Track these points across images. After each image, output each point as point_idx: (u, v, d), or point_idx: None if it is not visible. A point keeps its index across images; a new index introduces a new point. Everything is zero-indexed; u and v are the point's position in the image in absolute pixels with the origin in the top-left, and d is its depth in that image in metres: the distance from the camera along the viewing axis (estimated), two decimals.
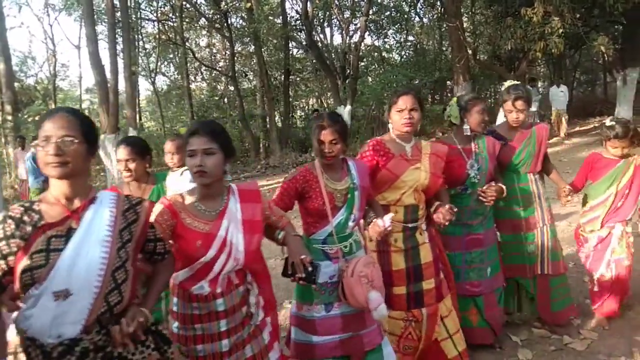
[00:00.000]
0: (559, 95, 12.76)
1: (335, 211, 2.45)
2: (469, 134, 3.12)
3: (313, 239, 2.48)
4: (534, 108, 12.81)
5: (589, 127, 14.25)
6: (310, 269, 2.17)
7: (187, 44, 20.62)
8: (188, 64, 21.07)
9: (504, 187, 3.15)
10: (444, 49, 20.07)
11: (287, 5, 17.92)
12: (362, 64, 21.42)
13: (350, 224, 2.49)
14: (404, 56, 21.45)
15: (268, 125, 18.41)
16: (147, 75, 22.36)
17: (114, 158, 9.78)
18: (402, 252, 2.74)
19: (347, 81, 16.66)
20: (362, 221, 2.68)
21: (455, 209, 2.71)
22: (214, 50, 24.39)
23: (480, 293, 3.12)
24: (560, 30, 9.86)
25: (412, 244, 2.75)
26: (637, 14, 11.70)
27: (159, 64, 22.37)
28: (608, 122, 3.32)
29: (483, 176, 3.10)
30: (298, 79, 22.02)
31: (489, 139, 3.20)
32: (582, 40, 11.46)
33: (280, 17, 18.02)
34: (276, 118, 19.10)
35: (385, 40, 21.50)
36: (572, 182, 3.48)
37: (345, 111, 14.08)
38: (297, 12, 18.71)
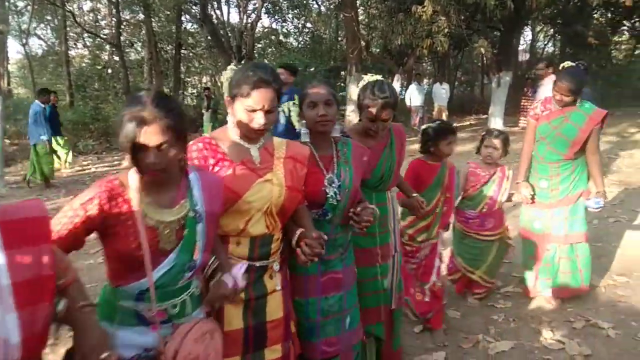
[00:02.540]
0: (441, 93, 13.59)
1: (159, 257, 1.54)
2: (337, 134, 2.24)
3: (122, 290, 1.56)
4: (419, 103, 13.58)
5: (466, 123, 15.37)
6: None
7: (67, 5, 18.79)
8: (68, 29, 19.25)
9: (377, 209, 2.23)
10: (340, 39, 20.43)
11: None
12: (259, 45, 21.14)
13: (187, 274, 1.61)
14: (301, 42, 21.53)
15: None
16: (18, 37, 20.09)
17: None
18: (241, 305, 1.89)
19: (242, 61, 16.29)
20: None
21: (326, 238, 1.93)
22: (99, 16, 22.57)
23: (336, 353, 2.24)
24: (446, 30, 10.45)
25: (257, 292, 1.92)
26: (513, 23, 12.83)
27: (33, 25, 20.19)
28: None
29: (346, 195, 2.16)
30: (191, 54, 21.15)
31: (356, 144, 2.32)
32: (464, 42, 12.30)
33: None
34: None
35: (284, 24, 21.43)
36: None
37: None
38: None
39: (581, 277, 3.54)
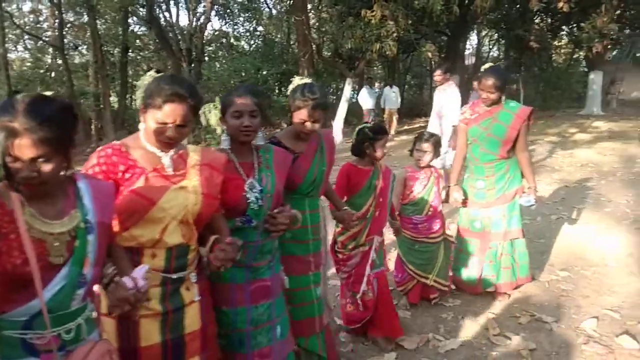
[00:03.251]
0: (391, 96, 13.79)
1: (49, 273, 1.39)
2: (261, 142, 2.27)
3: (6, 318, 1.38)
4: (370, 106, 13.75)
5: (415, 126, 15.68)
6: None
7: (4, 6, 17.90)
8: (6, 30, 18.33)
9: (299, 214, 2.32)
10: (291, 42, 20.43)
11: None
12: (210, 48, 20.85)
13: (79, 292, 1.47)
14: (253, 45, 21.38)
15: (102, 105, 16.87)
16: None
17: None
18: (158, 318, 1.84)
19: (192, 64, 16.03)
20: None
21: (241, 243, 1.92)
22: (41, 18, 21.61)
23: None
24: (395, 34, 10.61)
25: (174, 304, 1.87)
26: (459, 29, 13.21)
27: None
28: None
29: (268, 200, 2.17)
30: (139, 57, 20.60)
31: (278, 150, 2.35)
32: (413, 46, 12.53)
33: None
34: (111, 98, 17.62)
35: (235, 27, 21.21)
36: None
37: None
38: None
39: (518, 271, 3.72)
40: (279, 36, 21.95)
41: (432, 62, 12.68)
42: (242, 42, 21.95)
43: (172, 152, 1.85)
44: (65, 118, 1.36)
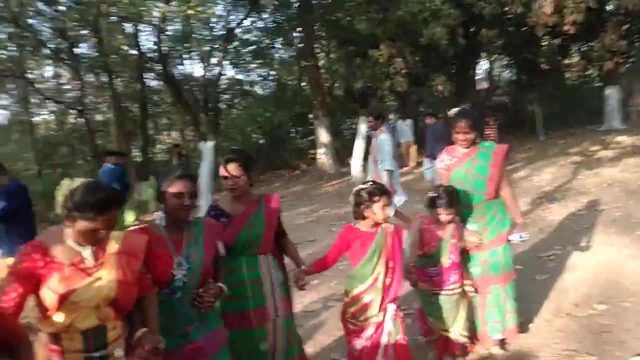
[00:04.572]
0: (405, 129, 13.86)
1: None
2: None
3: None
4: None
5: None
6: None
7: (28, 74, 18.71)
8: (30, 96, 19.12)
9: (224, 287, 2.46)
10: (304, 84, 20.80)
11: (142, 36, 17.23)
12: (226, 96, 21.33)
13: None
14: (267, 90, 21.81)
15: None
16: None
17: None
18: None
19: (209, 113, 16.38)
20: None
21: (161, 347, 2.07)
22: (62, 81, 22.46)
23: None
24: (404, 71, 10.78)
25: None
26: (467, 58, 13.33)
27: None
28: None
29: (196, 274, 2.34)
30: (158, 110, 21.18)
31: (207, 222, 2.55)
32: (423, 79, 12.68)
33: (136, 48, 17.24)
34: (134, 153, 18.05)
35: (248, 74, 21.69)
36: (323, 258, 2.97)
37: (208, 148, 13.79)
38: (154, 43, 18.12)
39: (516, 315, 3.57)
40: (290, 80, 22.37)
41: (445, 92, 12.72)
42: (256, 88, 22.41)
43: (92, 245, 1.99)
44: None
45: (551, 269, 5.02)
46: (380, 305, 2.85)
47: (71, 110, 20.25)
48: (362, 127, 13.31)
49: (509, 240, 3.56)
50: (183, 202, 2.32)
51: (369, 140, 14.16)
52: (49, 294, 1.86)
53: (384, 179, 6.39)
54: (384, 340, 2.84)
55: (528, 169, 11.03)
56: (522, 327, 3.75)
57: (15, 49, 17.13)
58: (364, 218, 2.89)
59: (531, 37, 13.24)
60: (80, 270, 1.93)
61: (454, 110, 3.66)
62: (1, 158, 18.28)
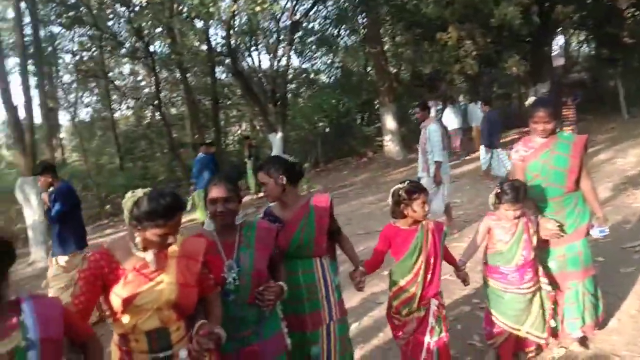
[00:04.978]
0: (477, 112, 13.42)
1: None
2: (239, 221, 2.50)
3: None
4: (456, 125, 13.43)
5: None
6: None
7: (109, 73, 19.93)
8: (111, 93, 20.38)
9: (284, 286, 2.47)
10: (369, 69, 20.65)
11: (212, 31, 17.76)
12: (292, 86, 21.63)
13: None
14: (332, 78, 21.87)
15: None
16: (67, 109, 21.38)
17: (33, 201, 9.20)
18: None
19: (277, 104, 16.73)
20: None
21: (220, 334, 2.09)
22: (139, 78, 23.74)
23: None
24: (474, 53, 10.44)
25: None
26: (542, 36, 12.66)
27: (80, 95, 21.47)
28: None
29: (247, 277, 2.36)
30: (229, 102, 21.87)
31: (261, 225, 2.56)
32: (494, 60, 12.20)
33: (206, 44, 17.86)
34: None
35: (314, 62, 21.85)
36: (371, 260, 3.02)
37: (277, 138, 14.11)
38: (223, 37, 18.67)
39: (595, 312, 3.47)
40: (355, 66, 22.27)
41: (519, 72, 12.15)
42: (322, 76, 22.52)
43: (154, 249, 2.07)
44: None
45: (636, 261, 4.76)
46: (421, 300, 2.90)
47: (148, 106, 21.42)
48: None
49: (588, 234, 3.44)
50: (216, 208, 2.37)
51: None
52: (115, 298, 1.99)
53: (432, 170, 6.33)
54: (427, 336, 2.88)
55: (611, 151, 10.37)
56: (604, 324, 3.63)
57: (96, 50, 18.36)
58: (403, 216, 2.92)
59: (612, 10, 12.36)
60: (142, 275, 2.03)
61: (532, 99, 3.54)
62: (87, 153, 19.68)
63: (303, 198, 2.83)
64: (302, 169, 2.94)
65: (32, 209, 9.29)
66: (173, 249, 2.12)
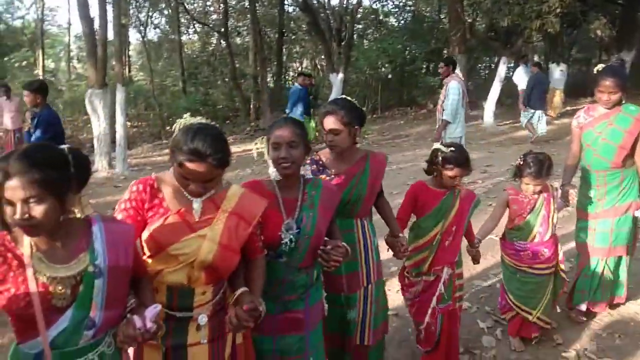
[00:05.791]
0: (558, 74, 12.69)
1: (53, 315, 1.46)
2: (309, 176, 2.24)
3: (22, 349, 1.51)
4: (523, 86, 12.80)
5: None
6: None
7: None
8: (180, 16, 20.56)
9: (348, 248, 2.15)
10: (442, 16, 19.74)
11: None
12: (360, 26, 21.08)
13: (87, 333, 1.50)
14: (402, 22, 21.10)
15: (259, 86, 18.18)
16: (137, 27, 21.81)
17: (100, 113, 9.65)
18: (158, 351, 1.83)
19: (342, 44, 16.39)
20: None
21: (261, 309, 1.82)
22: (208, 3, 23.75)
23: None
24: (558, 10, 9.74)
25: (176, 341, 1.83)
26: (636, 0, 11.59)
27: (150, 14, 21.78)
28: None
29: (306, 240, 2.10)
30: (293, 37, 21.65)
31: (327, 185, 2.28)
32: (579, 20, 11.35)
33: None
34: (268, 79, 18.84)
35: (385, 3, 21.10)
36: (399, 219, 2.85)
37: (337, 79, 13.92)
38: None
39: (613, 290, 3.47)
40: (429, 12, 21.34)
41: (602, 37, 11.29)
42: (391, 19, 21.77)
43: (208, 195, 1.81)
44: (58, 163, 1.41)
45: None
46: (432, 265, 2.80)
47: (214, 32, 21.51)
48: (502, 70, 12.49)
49: (634, 216, 3.32)
50: (279, 154, 2.03)
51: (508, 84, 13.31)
52: (148, 237, 1.75)
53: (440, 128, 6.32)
54: (433, 301, 2.80)
55: None
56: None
57: None
58: (435, 177, 2.82)
59: None
60: (185, 223, 1.77)
61: (600, 65, 3.33)
62: (153, 74, 20.14)
63: (360, 152, 2.59)
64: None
65: (99, 120, 9.75)
66: (228, 201, 1.84)
